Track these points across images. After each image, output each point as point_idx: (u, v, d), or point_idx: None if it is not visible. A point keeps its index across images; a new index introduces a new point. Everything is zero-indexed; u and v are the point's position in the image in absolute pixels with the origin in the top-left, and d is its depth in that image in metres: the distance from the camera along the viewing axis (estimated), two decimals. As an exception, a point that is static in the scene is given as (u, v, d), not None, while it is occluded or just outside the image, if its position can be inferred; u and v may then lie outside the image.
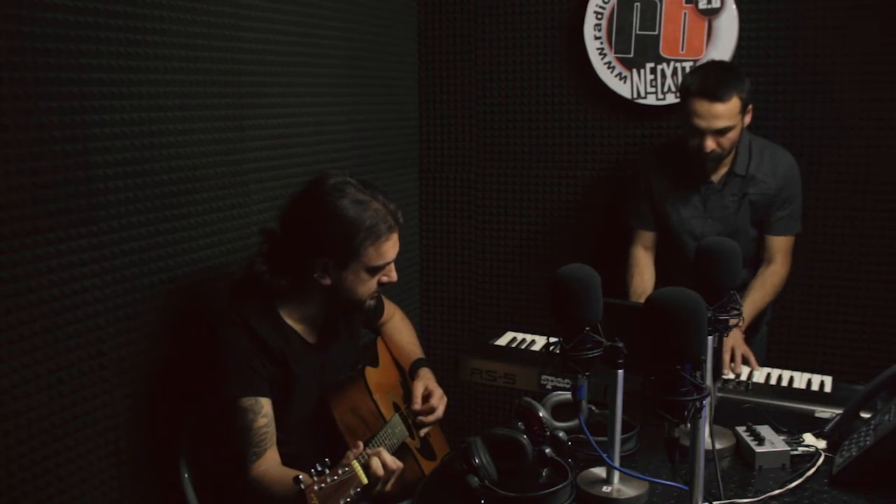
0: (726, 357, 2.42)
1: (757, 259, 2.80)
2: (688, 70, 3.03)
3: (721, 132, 2.57)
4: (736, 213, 2.73)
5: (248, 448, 1.92)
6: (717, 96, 2.53)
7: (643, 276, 2.86)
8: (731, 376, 2.37)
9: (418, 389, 2.29)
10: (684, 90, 2.63)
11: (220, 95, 2.28)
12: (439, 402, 2.29)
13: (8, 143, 1.66)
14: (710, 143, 2.58)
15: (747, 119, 2.65)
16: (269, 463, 1.94)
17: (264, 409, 1.95)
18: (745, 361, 2.45)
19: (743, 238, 2.70)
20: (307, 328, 2.10)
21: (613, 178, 3.34)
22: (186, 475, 2.06)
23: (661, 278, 2.88)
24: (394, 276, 2.09)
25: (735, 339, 2.48)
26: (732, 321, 1.84)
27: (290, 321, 2.06)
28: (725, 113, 2.54)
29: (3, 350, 1.67)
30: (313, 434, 2.11)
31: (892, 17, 2.91)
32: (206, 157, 2.23)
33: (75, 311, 1.84)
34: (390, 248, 2.02)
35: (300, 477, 1.54)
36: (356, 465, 1.62)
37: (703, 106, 2.55)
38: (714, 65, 2.69)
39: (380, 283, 2.07)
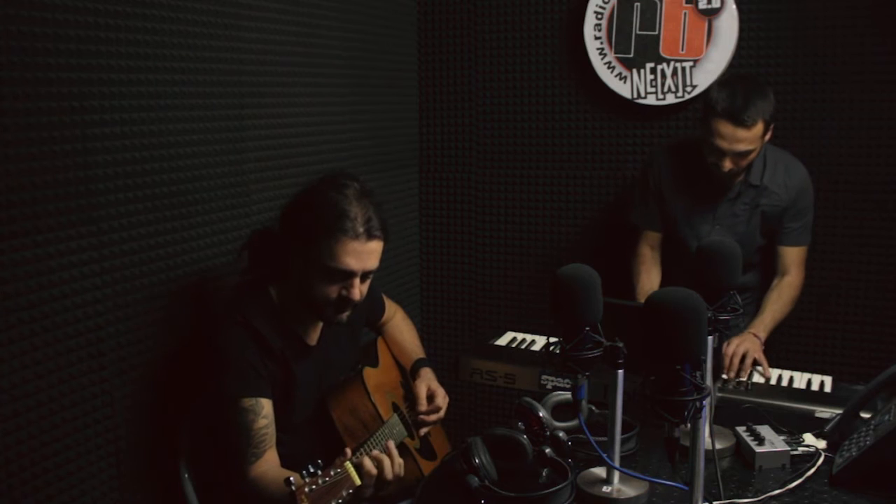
0: (735, 361, 2.38)
1: (762, 265, 2.79)
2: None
3: (742, 155, 2.53)
4: (746, 222, 2.70)
5: (248, 449, 1.92)
6: (743, 122, 2.46)
7: (650, 274, 2.85)
8: (743, 378, 2.36)
9: (421, 391, 2.28)
10: (709, 107, 2.54)
11: (220, 95, 2.28)
12: (443, 402, 2.29)
13: (8, 143, 1.66)
14: (729, 164, 2.54)
15: (767, 137, 2.58)
16: (269, 464, 1.94)
17: (265, 410, 1.94)
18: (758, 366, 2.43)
19: (749, 244, 2.66)
20: (308, 329, 2.10)
21: (613, 179, 3.34)
22: (186, 475, 2.06)
23: (665, 279, 2.88)
24: (354, 293, 1.95)
25: (751, 345, 2.43)
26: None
27: (290, 322, 2.06)
28: (749, 138, 2.49)
29: (3, 350, 1.67)
30: (313, 435, 2.11)
31: (892, 17, 2.91)
32: (206, 157, 2.23)
33: (75, 311, 1.84)
34: (346, 254, 1.91)
35: (291, 479, 1.54)
36: (349, 466, 1.62)
37: (726, 128, 2.48)
38: (742, 83, 2.55)
39: (340, 297, 1.97)
